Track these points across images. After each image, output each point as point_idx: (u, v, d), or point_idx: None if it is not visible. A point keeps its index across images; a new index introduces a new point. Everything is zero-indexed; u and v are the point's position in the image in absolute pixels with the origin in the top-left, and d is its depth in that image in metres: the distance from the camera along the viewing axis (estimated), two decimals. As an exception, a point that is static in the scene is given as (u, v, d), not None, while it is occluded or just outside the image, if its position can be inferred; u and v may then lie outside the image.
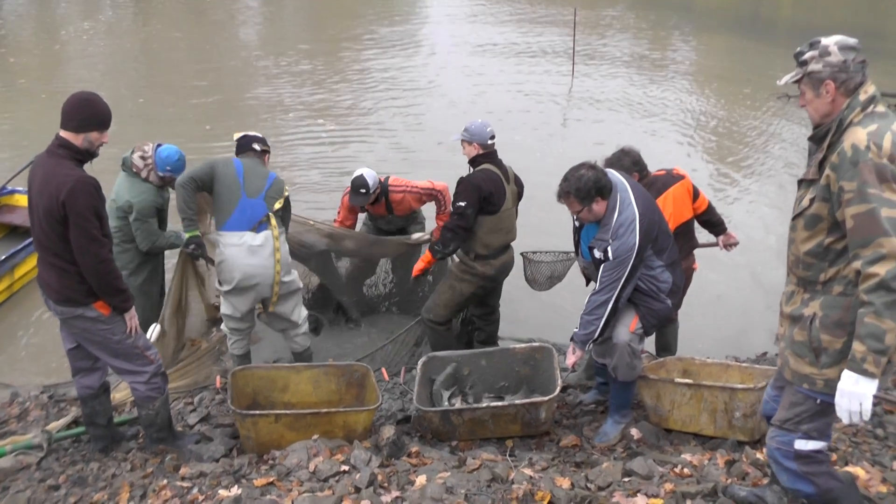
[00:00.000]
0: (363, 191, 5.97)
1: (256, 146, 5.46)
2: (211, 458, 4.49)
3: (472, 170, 5.43)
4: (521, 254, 5.74)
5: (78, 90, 4.02)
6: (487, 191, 5.27)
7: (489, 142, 5.38)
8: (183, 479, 4.07)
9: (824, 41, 2.89)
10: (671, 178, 5.22)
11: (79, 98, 3.92)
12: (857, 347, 2.72)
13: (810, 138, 3.04)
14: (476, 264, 5.44)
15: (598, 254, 4.30)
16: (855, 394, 2.74)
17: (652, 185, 5.17)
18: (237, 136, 5.58)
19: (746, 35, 19.89)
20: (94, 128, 3.91)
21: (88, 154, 3.96)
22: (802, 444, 3.08)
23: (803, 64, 2.94)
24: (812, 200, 2.96)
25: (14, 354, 6.24)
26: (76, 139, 3.88)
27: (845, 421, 2.81)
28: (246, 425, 4.41)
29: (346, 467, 3.98)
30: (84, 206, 3.79)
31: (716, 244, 5.65)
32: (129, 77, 14.25)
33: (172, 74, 14.43)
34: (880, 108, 2.84)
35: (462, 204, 5.22)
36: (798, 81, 2.97)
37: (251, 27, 20.35)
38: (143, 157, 5.48)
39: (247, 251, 5.20)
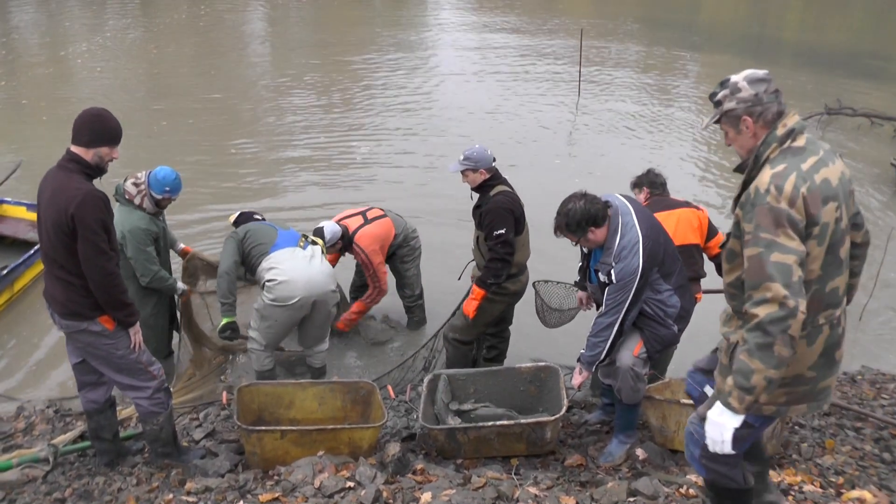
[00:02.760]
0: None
1: (258, 216, 5.93)
2: (216, 473, 4.50)
3: (479, 195, 5.45)
4: (533, 284, 5.71)
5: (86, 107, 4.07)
6: (518, 212, 5.34)
7: (493, 164, 5.41)
8: (188, 493, 4.08)
9: (733, 78, 2.94)
10: (685, 203, 5.24)
11: (90, 114, 3.97)
12: (728, 381, 2.82)
13: (736, 169, 3.09)
14: (508, 284, 5.46)
15: (602, 277, 4.32)
16: (718, 424, 2.85)
17: (659, 202, 5.19)
18: (233, 217, 6.02)
19: (752, 55, 19.94)
20: (105, 143, 3.95)
21: (98, 169, 4.00)
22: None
23: (718, 104, 2.99)
24: (728, 236, 3.05)
25: (20, 368, 6.24)
26: (86, 154, 3.92)
27: (710, 448, 2.92)
28: (251, 441, 4.42)
29: (351, 484, 3.98)
30: (93, 218, 3.83)
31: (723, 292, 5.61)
32: (138, 97, 14.19)
33: (186, 96, 14.36)
34: (799, 143, 2.86)
35: (503, 231, 5.23)
36: (719, 122, 3.01)
37: (259, 48, 20.40)
38: (135, 184, 5.37)
39: (303, 261, 5.47)
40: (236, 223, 5.89)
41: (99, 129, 3.94)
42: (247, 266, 5.61)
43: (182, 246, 6.09)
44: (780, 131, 2.86)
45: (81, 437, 4.90)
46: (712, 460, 3.12)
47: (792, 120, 2.88)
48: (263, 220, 5.96)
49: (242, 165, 11.08)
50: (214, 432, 5.11)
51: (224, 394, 5.15)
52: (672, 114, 14.41)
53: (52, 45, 17.94)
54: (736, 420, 2.81)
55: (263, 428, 4.48)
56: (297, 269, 5.40)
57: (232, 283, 5.49)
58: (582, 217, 4.22)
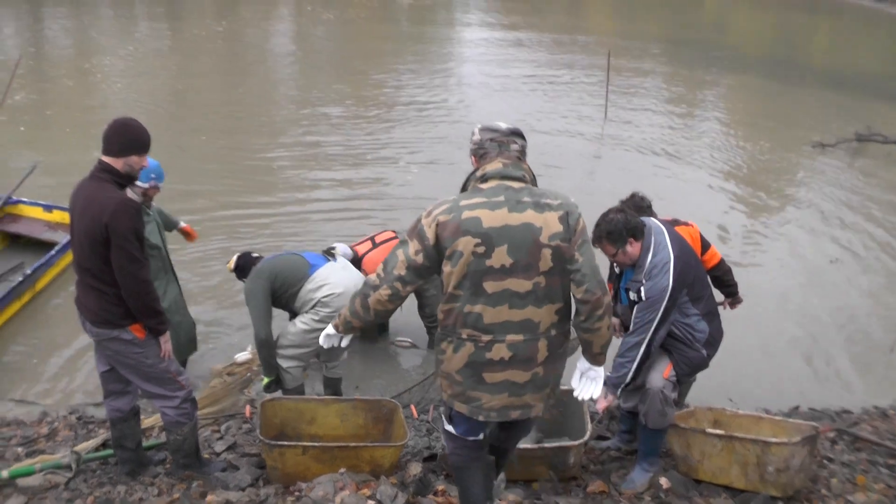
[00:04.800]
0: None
1: (255, 255, 5.84)
2: (237, 486, 4.48)
3: None
4: None
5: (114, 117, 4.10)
6: None
7: None
8: (209, 506, 4.07)
9: (476, 127, 3.55)
10: (673, 221, 5.19)
11: (119, 123, 4.01)
12: None
13: None
14: None
15: (632, 295, 4.35)
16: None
17: None
18: (231, 265, 5.85)
19: (778, 78, 19.85)
20: (134, 151, 3.99)
21: (129, 177, 4.03)
22: (445, 423, 3.73)
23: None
24: None
25: (44, 374, 6.27)
26: (117, 163, 3.95)
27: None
28: (273, 456, 4.40)
29: (372, 502, 3.96)
30: (126, 227, 3.86)
31: (721, 304, 5.57)
32: (163, 110, 14.14)
33: (213, 110, 14.37)
34: (485, 185, 3.37)
35: None
36: None
37: (285, 64, 20.40)
38: None
39: (343, 272, 5.53)
40: (240, 269, 5.77)
41: (128, 137, 3.98)
42: (283, 301, 5.50)
43: (183, 224, 6.13)
44: (479, 172, 3.42)
45: (104, 444, 4.90)
46: (448, 439, 3.77)
47: (492, 167, 3.39)
48: (262, 257, 5.83)
49: (275, 176, 11.16)
50: (236, 445, 5.10)
51: (247, 407, 5.14)
52: (697, 137, 14.37)
53: (79, 55, 18.04)
54: (337, 335, 3.76)
55: (286, 443, 4.47)
56: (343, 279, 5.43)
57: (273, 348, 5.41)
58: (624, 227, 4.29)
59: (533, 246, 3.25)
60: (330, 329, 3.76)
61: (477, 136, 3.49)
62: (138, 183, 5.24)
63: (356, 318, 3.59)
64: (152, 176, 5.37)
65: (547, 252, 3.26)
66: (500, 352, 3.35)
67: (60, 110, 13.70)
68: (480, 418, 3.51)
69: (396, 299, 3.46)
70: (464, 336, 3.36)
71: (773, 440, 4.38)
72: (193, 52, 19.30)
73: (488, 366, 3.38)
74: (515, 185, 3.35)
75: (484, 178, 3.38)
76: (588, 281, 3.32)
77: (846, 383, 6.80)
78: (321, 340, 3.83)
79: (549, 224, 3.27)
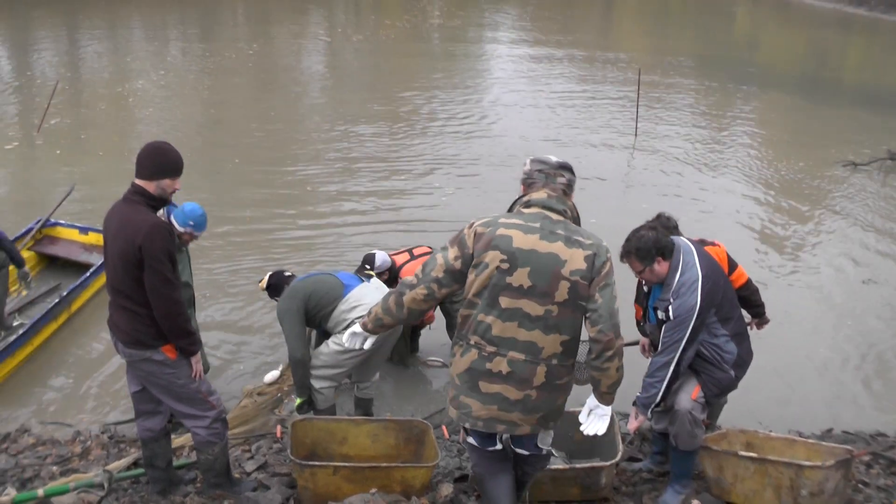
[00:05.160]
0: (367, 267, 6.37)
1: (287, 273, 5.84)
2: (268, 506, 4.50)
3: None
4: None
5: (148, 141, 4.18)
6: None
7: None
8: (240, 526, 4.08)
9: (528, 158, 3.78)
10: (702, 242, 5.15)
11: (152, 147, 4.08)
12: None
13: None
14: None
15: (660, 314, 4.35)
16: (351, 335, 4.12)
17: None
18: (263, 284, 5.83)
19: (811, 97, 19.64)
20: (167, 175, 4.05)
21: (162, 200, 4.10)
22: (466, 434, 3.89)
23: None
24: None
25: (77, 394, 6.35)
26: (150, 186, 4.02)
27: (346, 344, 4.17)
28: (304, 476, 4.42)
29: (402, 524, 3.96)
30: (159, 249, 3.92)
31: (748, 324, 5.51)
32: (198, 134, 14.20)
33: (246, 133, 14.36)
34: (527, 210, 3.59)
35: None
36: None
37: (316, 85, 20.50)
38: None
39: (376, 293, 5.45)
40: (272, 288, 5.76)
41: (160, 161, 4.05)
42: (316, 321, 5.49)
43: None
44: (524, 198, 3.65)
45: (135, 463, 4.96)
46: (471, 451, 3.94)
47: (537, 195, 3.61)
48: (294, 275, 5.83)
49: (307, 195, 11.24)
50: (266, 465, 5.12)
51: (278, 427, 5.16)
52: (728, 154, 14.25)
53: (113, 79, 18.22)
54: (363, 334, 3.99)
55: (317, 463, 4.49)
56: (376, 300, 5.33)
57: (308, 369, 5.39)
58: (653, 245, 4.31)
59: (553, 275, 3.45)
60: (357, 328, 3.96)
61: (527, 167, 3.72)
62: (174, 223, 5.33)
63: (388, 315, 3.77)
64: (190, 222, 5.36)
65: (565, 285, 3.45)
66: (499, 365, 3.54)
67: (95, 133, 13.89)
68: (467, 425, 3.69)
69: (431, 299, 3.65)
70: (472, 342, 3.58)
71: (807, 463, 4.33)
72: (226, 74, 19.48)
73: (486, 375, 3.57)
74: (554, 216, 3.56)
75: (528, 205, 3.61)
76: (603, 322, 3.48)
77: (880, 406, 6.66)
78: (345, 339, 4.02)
79: (574, 260, 3.46)
